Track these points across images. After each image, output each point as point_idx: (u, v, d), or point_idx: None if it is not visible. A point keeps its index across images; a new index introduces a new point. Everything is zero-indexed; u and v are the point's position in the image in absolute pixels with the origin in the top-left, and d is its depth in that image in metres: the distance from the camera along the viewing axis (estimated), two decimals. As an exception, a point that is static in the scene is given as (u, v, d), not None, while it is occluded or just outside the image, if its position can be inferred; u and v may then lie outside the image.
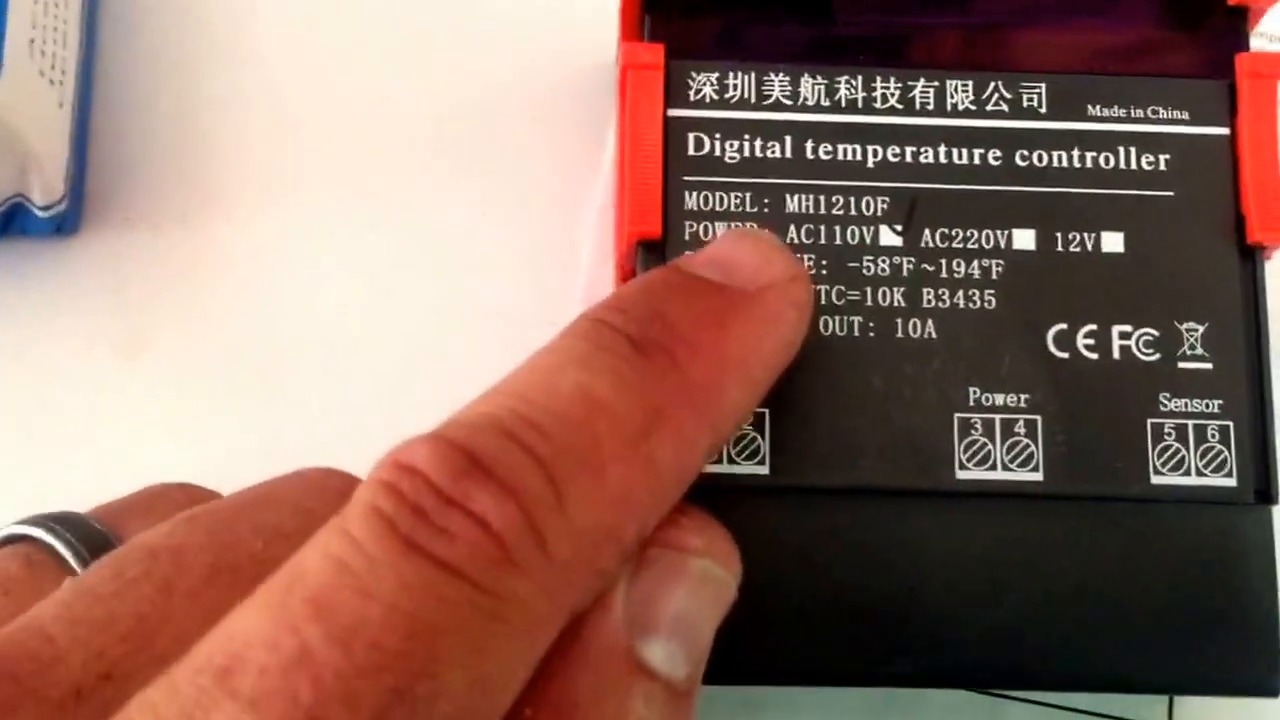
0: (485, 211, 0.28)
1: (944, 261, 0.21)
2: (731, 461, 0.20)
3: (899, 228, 0.21)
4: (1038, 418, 0.21)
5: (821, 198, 0.22)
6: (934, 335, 0.21)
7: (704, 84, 0.22)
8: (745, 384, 0.18)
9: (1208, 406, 0.21)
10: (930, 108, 0.22)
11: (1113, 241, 0.21)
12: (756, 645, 0.20)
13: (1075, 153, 0.22)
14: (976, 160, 0.22)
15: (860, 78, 0.22)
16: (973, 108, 0.22)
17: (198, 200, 0.28)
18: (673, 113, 0.22)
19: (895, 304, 0.21)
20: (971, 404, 0.21)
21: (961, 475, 0.20)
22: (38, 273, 0.27)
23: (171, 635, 0.16)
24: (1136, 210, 0.21)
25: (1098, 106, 0.22)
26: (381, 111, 0.28)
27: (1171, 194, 0.22)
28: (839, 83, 0.22)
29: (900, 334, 0.21)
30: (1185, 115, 0.22)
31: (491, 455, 0.15)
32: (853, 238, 0.21)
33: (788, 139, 0.22)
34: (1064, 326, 0.21)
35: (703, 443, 0.17)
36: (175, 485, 0.21)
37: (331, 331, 0.27)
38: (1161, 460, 0.21)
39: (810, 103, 0.22)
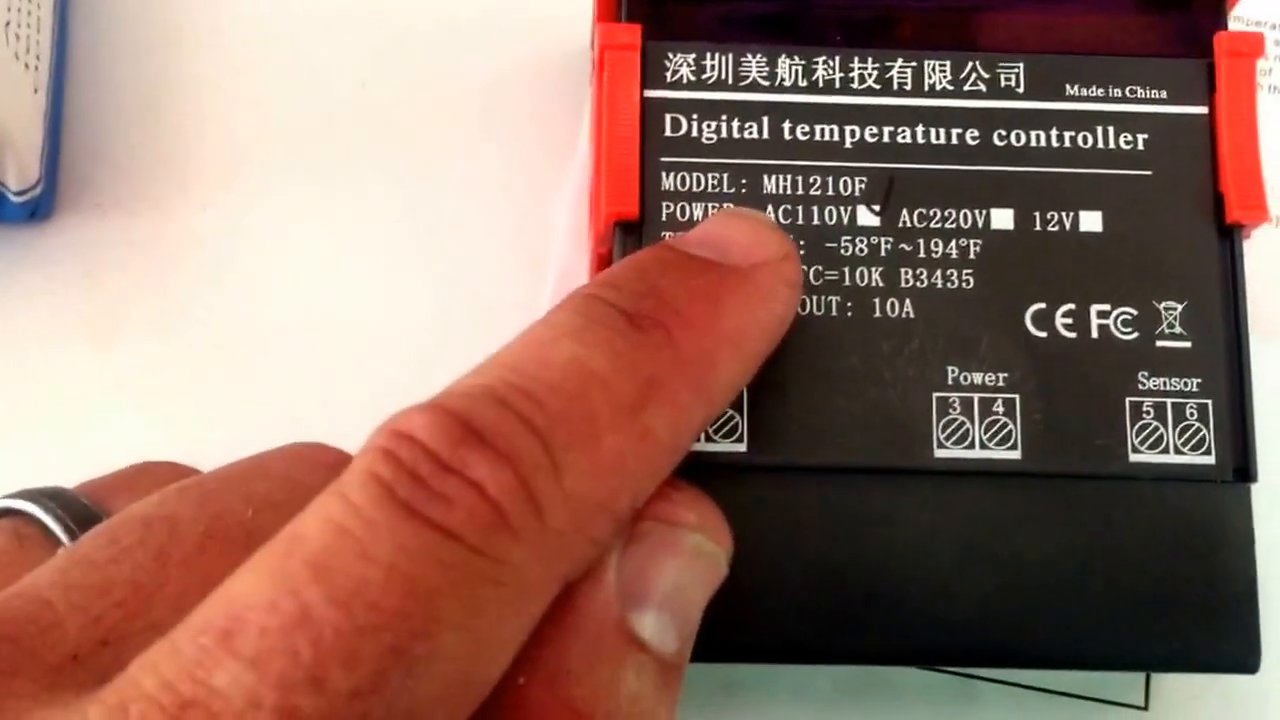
0: (459, 197, 0.27)
1: (922, 241, 0.21)
2: (710, 439, 0.20)
3: (877, 208, 0.21)
4: (1016, 396, 0.21)
5: (799, 178, 0.21)
6: (912, 315, 0.21)
7: (681, 65, 0.22)
8: (738, 359, 0.18)
9: (1186, 385, 0.21)
10: (908, 88, 0.22)
11: (1091, 221, 0.21)
12: (731, 623, 0.20)
13: (1053, 132, 0.22)
14: (954, 140, 0.22)
15: (838, 58, 0.22)
16: (950, 87, 0.22)
17: (172, 186, 0.27)
18: (650, 94, 0.22)
19: (873, 284, 0.21)
20: (950, 383, 0.21)
21: (940, 454, 0.20)
22: (11, 258, 0.27)
23: (166, 602, 0.16)
24: (1115, 189, 0.21)
25: (1076, 86, 0.22)
26: (356, 96, 0.28)
27: (1150, 173, 0.22)
28: (816, 63, 0.22)
29: (878, 313, 0.21)
30: (1164, 94, 0.22)
31: (488, 424, 0.15)
32: (830, 218, 0.21)
33: (765, 119, 0.22)
34: (1042, 306, 0.21)
35: (697, 415, 0.18)
36: (161, 463, 0.21)
37: (304, 317, 0.27)
38: (1140, 438, 0.21)
39: (787, 83, 0.22)
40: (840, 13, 0.23)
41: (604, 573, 0.17)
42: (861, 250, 0.21)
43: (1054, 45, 0.22)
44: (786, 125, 0.22)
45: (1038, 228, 0.21)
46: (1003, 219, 0.21)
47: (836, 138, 0.22)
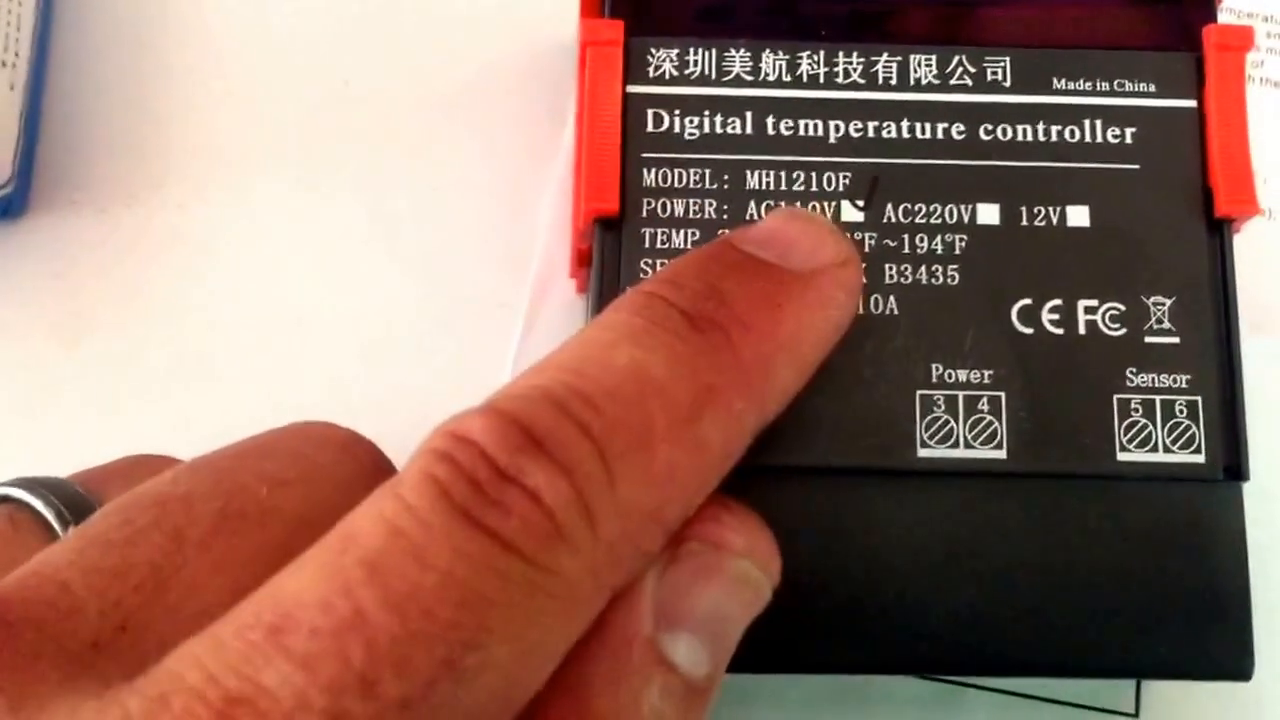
0: (441, 193, 0.27)
1: (906, 237, 0.21)
2: None
3: (861, 203, 0.21)
4: (1001, 394, 0.20)
5: (782, 174, 0.21)
6: (896, 311, 0.21)
7: (664, 60, 0.22)
8: (795, 366, 0.18)
9: (1175, 381, 0.20)
10: (893, 82, 0.22)
11: (1078, 215, 0.21)
12: None
13: (1040, 126, 0.21)
14: (940, 135, 0.21)
15: (822, 53, 0.22)
16: (936, 82, 0.22)
17: (145, 184, 0.27)
18: (632, 89, 0.22)
19: None
20: (934, 381, 0.20)
21: (923, 453, 0.20)
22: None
23: (184, 586, 0.15)
24: (1102, 184, 0.21)
25: (1063, 80, 0.22)
26: (336, 92, 0.28)
27: (1138, 167, 0.21)
28: (800, 58, 0.22)
29: (861, 310, 0.20)
30: (1152, 88, 0.22)
31: (546, 430, 0.15)
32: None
33: (748, 114, 0.21)
34: (1029, 301, 0.21)
35: (750, 424, 0.17)
36: (155, 455, 0.21)
37: (278, 315, 0.27)
38: (1128, 436, 0.20)
39: (771, 78, 0.22)
40: (825, 7, 0.22)
41: (639, 588, 0.16)
42: None
43: (1041, 39, 0.22)
44: (770, 120, 0.21)
45: (1024, 223, 0.21)
46: (989, 214, 0.21)
47: (820, 133, 0.21)
